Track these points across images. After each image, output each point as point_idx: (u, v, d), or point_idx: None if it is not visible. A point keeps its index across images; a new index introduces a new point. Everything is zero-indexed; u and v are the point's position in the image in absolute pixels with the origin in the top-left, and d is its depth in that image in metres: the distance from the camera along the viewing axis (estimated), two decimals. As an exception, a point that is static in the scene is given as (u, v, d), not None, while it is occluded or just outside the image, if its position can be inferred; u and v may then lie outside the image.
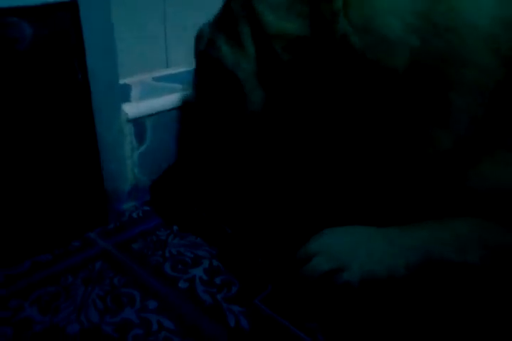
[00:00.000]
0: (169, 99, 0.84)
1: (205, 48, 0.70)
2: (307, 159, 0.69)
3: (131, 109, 0.79)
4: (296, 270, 0.67)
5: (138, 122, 0.80)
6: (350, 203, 0.72)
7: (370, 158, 0.68)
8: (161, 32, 0.93)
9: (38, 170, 0.71)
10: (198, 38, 0.74)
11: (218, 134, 0.77)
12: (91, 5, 0.67)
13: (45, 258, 0.75)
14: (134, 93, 0.84)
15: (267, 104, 0.65)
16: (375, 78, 0.60)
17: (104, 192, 0.79)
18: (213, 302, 0.68)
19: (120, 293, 0.69)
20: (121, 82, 0.84)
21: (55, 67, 0.66)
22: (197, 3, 0.94)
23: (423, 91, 0.61)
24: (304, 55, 0.61)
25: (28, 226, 0.73)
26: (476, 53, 0.59)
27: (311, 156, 0.69)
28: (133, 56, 0.90)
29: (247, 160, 0.74)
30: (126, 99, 0.81)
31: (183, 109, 0.84)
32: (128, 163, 0.82)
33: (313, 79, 0.63)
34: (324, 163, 0.71)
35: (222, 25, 0.69)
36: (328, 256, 0.65)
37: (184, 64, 0.97)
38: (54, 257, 0.75)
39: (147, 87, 0.87)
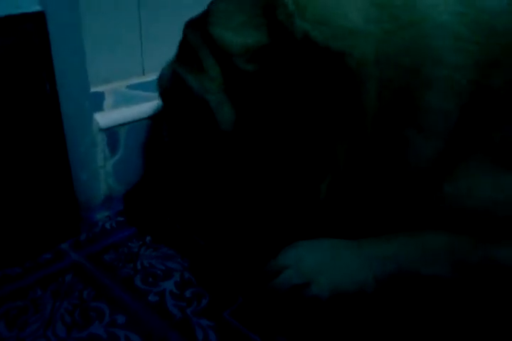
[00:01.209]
0: (143, 108, 0.83)
1: (169, 85, 0.70)
2: (278, 172, 0.69)
3: (104, 118, 0.78)
4: (266, 283, 0.66)
5: (111, 131, 0.79)
6: (321, 215, 0.71)
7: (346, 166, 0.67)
8: (137, 40, 0.92)
9: (7, 181, 0.70)
10: (160, 78, 0.74)
11: (189, 148, 0.76)
12: (59, 15, 0.66)
13: (15, 271, 0.74)
14: (107, 101, 0.83)
15: (237, 121, 0.65)
16: (342, 75, 0.59)
17: (75, 202, 0.78)
18: (182, 316, 0.67)
19: (89, 306, 0.68)
20: (94, 90, 0.84)
21: (21, 79, 0.65)
22: (172, 10, 0.93)
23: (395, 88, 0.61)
24: (268, 63, 0.61)
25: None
26: (444, 51, 0.57)
27: (283, 169, 0.69)
28: (108, 64, 0.89)
29: (219, 173, 0.73)
30: (99, 107, 0.80)
31: (157, 118, 0.83)
32: (101, 173, 0.81)
33: (281, 86, 0.62)
34: (296, 176, 0.71)
35: (183, 58, 0.69)
36: (297, 270, 0.65)
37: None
38: (24, 270, 0.74)
39: (121, 95, 0.86)
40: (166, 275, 0.74)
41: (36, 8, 0.64)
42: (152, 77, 0.96)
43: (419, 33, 0.57)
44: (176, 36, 1.02)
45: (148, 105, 0.84)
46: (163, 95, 0.73)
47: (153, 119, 0.83)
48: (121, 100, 0.84)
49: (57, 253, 0.78)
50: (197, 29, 0.68)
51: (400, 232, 0.66)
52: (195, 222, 0.81)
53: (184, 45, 0.70)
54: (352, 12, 0.58)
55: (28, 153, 0.70)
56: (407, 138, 0.62)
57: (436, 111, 0.60)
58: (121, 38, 0.89)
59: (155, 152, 0.84)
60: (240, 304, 0.69)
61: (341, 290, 0.64)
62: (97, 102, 0.81)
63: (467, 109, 0.59)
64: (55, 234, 0.78)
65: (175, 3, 0.94)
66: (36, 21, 0.64)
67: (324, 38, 0.58)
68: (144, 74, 0.96)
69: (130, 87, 0.91)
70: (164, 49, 0.98)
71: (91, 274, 0.74)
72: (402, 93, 0.60)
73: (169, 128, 0.74)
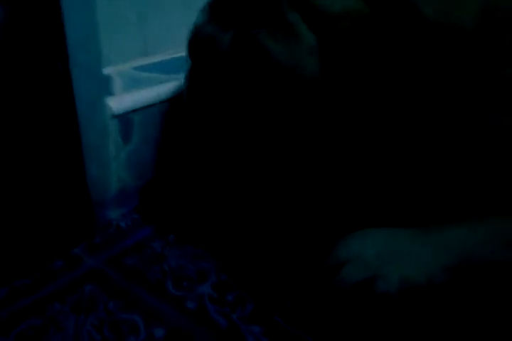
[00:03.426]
0: (158, 91, 0.73)
1: (224, 49, 0.58)
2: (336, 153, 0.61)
3: (116, 103, 0.68)
4: (325, 281, 0.59)
5: (124, 118, 0.70)
6: (374, 202, 0.64)
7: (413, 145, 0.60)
8: (138, 17, 0.82)
9: (14, 177, 0.59)
10: (197, 40, 0.63)
11: (218, 132, 0.67)
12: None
13: (24, 283, 0.63)
14: (116, 85, 0.73)
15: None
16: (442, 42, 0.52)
17: (88, 199, 0.68)
18: (229, 323, 0.59)
19: (119, 319, 0.59)
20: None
21: (32, 55, 0.55)
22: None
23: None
24: (369, 31, 0.53)
25: (2, 245, 0.61)
26: None
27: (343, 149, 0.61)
28: (108, 44, 0.78)
29: (256, 158, 0.65)
30: (109, 92, 0.70)
31: (174, 101, 0.74)
32: (113, 166, 0.71)
33: (381, 54, 0.54)
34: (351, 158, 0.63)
35: (252, 19, 0.57)
36: (360, 264, 0.58)
37: (164, 52, 0.87)
38: (35, 281, 0.63)
39: (129, 78, 0.76)
40: (200, 278, 0.65)
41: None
42: (157, 58, 0.87)
43: None
44: (178, 17, 0.93)
45: (162, 87, 0.74)
46: (203, 59, 0.62)
47: (171, 102, 0.73)
48: (131, 83, 0.74)
49: (70, 259, 0.67)
50: None
51: (466, 219, 0.60)
52: (224, 216, 0.73)
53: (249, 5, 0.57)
54: None
55: (40, 142, 0.59)
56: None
57: None
58: (121, 16, 0.79)
59: (172, 141, 0.75)
60: (290, 306, 0.61)
61: (410, 283, 0.57)
62: (106, 86, 0.71)
63: None
64: (67, 238, 0.68)
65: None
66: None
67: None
68: (146, 55, 0.86)
69: (136, 68, 0.80)
70: (166, 29, 0.90)
71: (114, 282, 0.64)
72: None
73: (202, 101, 0.63)
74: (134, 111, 0.70)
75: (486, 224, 0.60)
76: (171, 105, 0.74)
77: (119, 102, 0.69)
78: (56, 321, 0.58)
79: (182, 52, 0.89)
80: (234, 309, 0.61)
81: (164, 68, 0.81)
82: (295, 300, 0.62)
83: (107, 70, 0.77)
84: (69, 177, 0.64)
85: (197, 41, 0.64)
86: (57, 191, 0.64)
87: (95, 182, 0.69)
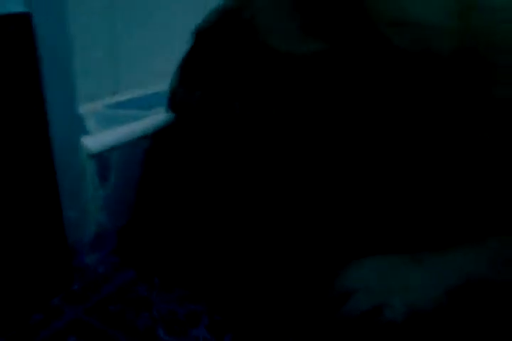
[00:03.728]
0: (133, 128, 0.71)
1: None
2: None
3: (93, 141, 0.66)
4: (331, 312, 0.57)
5: (101, 157, 0.67)
6: (374, 229, 0.64)
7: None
8: (109, 55, 0.80)
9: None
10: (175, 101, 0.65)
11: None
12: (46, 18, 0.54)
13: (0, 341, 0.58)
14: (90, 124, 0.70)
15: None
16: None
17: (66, 246, 0.64)
18: (230, 368, 0.56)
19: (110, 374, 0.55)
20: (73, 111, 0.71)
21: (7, 97, 0.52)
22: (146, 19, 0.84)
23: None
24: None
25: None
26: None
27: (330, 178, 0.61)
28: (78, 83, 0.76)
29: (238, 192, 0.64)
30: (84, 131, 0.68)
31: (152, 137, 0.72)
32: (90, 208, 0.68)
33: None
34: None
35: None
36: (366, 293, 0.56)
37: (135, 88, 0.85)
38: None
39: (103, 116, 0.74)
40: (192, 320, 0.62)
41: (20, 9, 0.52)
42: (128, 95, 0.85)
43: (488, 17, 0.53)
44: (149, 53, 0.92)
45: (138, 124, 0.72)
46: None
47: (148, 139, 0.71)
48: (104, 121, 0.72)
49: (49, 311, 0.62)
50: None
51: (459, 243, 0.61)
52: (207, 256, 0.70)
53: None
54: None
55: (14, 187, 0.55)
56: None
57: None
58: (91, 56, 0.77)
59: (150, 179, 0.72)
60: (293, 343, 0.59)
61: (416, 309, 0.56)
62: (81, 125, 0.68)
63: None
64: (44, 288, 0.63)
65: (147, 18, 0.84)
66: (21, 23, 0.51)
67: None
68: (117, 92, 0.84)
69: (109, 106, 0.78)
70: (136, 66, 0.89)
71: (100, 333, 0.60)
72: None
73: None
74: (111, 149, 0.68)
75: (484, 245, 0.61)
76: (148, 141, 0.72)
77: (95, 141, 0.66)
78: (40, 381, 0.53)
79: (153, 89, 0.88)
80: (233, 352, 0.58)
81: (138, 105, 0.79)
82: (297, 337, 0.59)
83: (80, 109, 0.75)
84: (46, 222, 0.60)
85: (173, 102, 0.65)
86: (34, 238, 0.60)
87: (72, 227, 0.66)
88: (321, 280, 0.61)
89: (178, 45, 0.69)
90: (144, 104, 0.82)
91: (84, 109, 0.74)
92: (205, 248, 0.69)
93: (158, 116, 0.76)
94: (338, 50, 0.54)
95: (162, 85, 0.89)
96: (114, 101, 0.80)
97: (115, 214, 0.72)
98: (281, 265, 0.67)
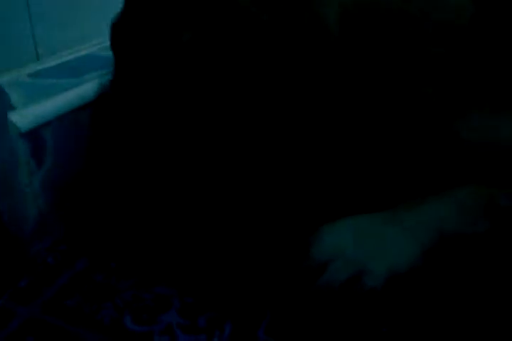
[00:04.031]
0: (68, 98, 0.62)
1: None
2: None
3: (22, 118, 0.57)
4: (309, 283, 0.54)
5: (34, 135, 0.58)
6: (343, 189, 0.61)
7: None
8: (26, 17, 0.69)
9: None
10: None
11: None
12: None
13: None
14: (15, 97, 0.61)
15: None
16: None
17: (7, 238, 0.56)
18: (210, 352, 0.52)
19: (79, 375, 0.49)
20: (-9, 83, 0.61)
21: None
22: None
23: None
24: None
25: None
26: None
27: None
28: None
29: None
30: (8, 106, 0.58)
31: (92, 106, 0.63)
32: (28, 193, 0.60)
33: None
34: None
35: None
36: (344, 261, 0.54)
37: (59, 54, 0.75)
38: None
39: (28, 87, 0.64)
40: (162, 306, 0.57)
41: None
42: (49, 62, 0.75)
43: None
44: (70, 14, 0.81)
45: (73, 93, 0.63)
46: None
47: (87, 108, 0.63)
48: (32, 93, 0.62)
49: (-2, 313, 0.55)
50: None
51: (431, 194, 0.59)
52: (166, 231, 0.65)
53: None
54: None
55: None
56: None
57: None
58: (9, 20, 0.66)
59: (94, 151, 0.64)
60: (271, 318, 0.56)
61: (395, 272, 0.55)
62: (5, 99, 0.58)
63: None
64: (-13, 288, 0.55)
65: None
66: None
67: None
68: (38, 58, 0.74)
69: (32, 75, 0.68)
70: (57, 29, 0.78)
71: (60, 331, 0.54)
72: None
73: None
74: (44, 125, 0.59)
75: (452, 196, 0.60)
76: (87, 112, 0.64)
77: (26, 117, 0.57)
78: None
79: (80, 52, 0.78)
80: (211, 334, 0.54)
81: (69, 71, 0.70)
82: (274, 310, 0.57)
83: (-1, 80, 0.64)
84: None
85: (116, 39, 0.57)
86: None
87: (11, 216, 0.58)
88: (294, 249, 0.58)
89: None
90: (75, 69, 0.73)
91: (3, 80, 0.64)
92: (165, 221, 0.64)
93: (91, 84, 0.67)
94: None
95: (90, 47, 0.80)
96: (39, 68, 0.70)
97: (56, 198, 0.64)
98: (249, 235, 0.63)
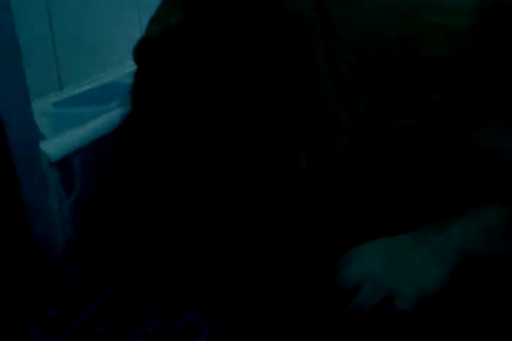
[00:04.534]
0: (95, 126, 0.63)
1: None
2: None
3: (52, 147, 0.58)
4: (340, 308, 0.54)
5: (64, 164, 0.59)
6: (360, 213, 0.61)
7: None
8: (50, 46, 0.71)
9: None
10: None
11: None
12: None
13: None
14: (43, 126, 0.61)
15: None
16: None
17: (38, 265, 0.56)
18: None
19: None
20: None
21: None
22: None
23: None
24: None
25: None
26: None
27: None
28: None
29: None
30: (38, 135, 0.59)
31: (117, 133, 0.64)
32: (57, 221, 0.60)
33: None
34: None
35: None
36: (373, 285, 0.54)
37: (81, 82, 0.77)
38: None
39: (55, 116, 0.65)
40: (191, 333, 0.57)
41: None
42: (73, 91, 0.76)
43: None
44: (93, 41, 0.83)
45: (97, 122, 0.64)
46: None
47: (113, 136, 0.63)
48: (59, 122, 0.63)
49: (27, 344, 0.55)
50: None
51: (456, 213, 0.60)
52: (192, 261, 0.65)
53: None
54: None
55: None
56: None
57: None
58: (32, 48, 0.68)
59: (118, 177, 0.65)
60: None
61: (424, 295, 0.55)
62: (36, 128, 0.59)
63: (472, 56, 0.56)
64: (17, 317, 0.55)
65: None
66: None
67: None
68: (61, 88, 0.75)
69: (57, 104, 0.69)
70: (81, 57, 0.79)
71: (92, 359, 0.54)
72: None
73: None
74: (73, 154, 0.60)
75: (475, 217, 0.60)
76: (113, 139, 0.65)
77: (55, 146, 0.58)
78: None
79: (103, 79, 0.80)
80: (242, 361, 0.54)
81: (92, 99, 0.71)
82: (304, 337, 0.56)
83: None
84: (11, 240, 0.52)
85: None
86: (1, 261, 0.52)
87: (40, 243, 0.58)
88: (322, 276, 0.58)
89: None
90: (95, 99, 0.74)
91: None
92: (190, 252, 0.64)
93: (115, 111, 0.68)
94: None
95: (112, 74, 0.81)
96: (63, 97, 0.72)
97: (83, 225, 0.65)
98: (274, 263, 0.63)
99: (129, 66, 0.71)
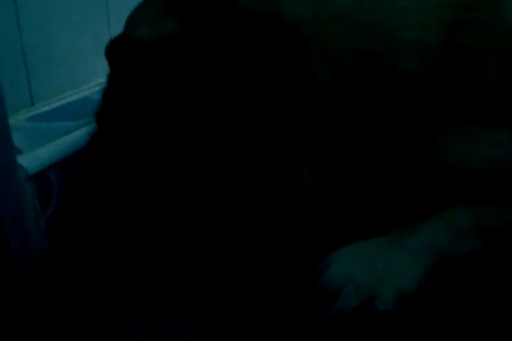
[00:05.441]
0: (70, 140, 0.63)
1: None
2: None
3: (29, 161, 0.57)
4: (321, 311, 0.55)
5: (40, 177, 0.59)
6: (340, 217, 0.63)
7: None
8: (21, 63, 0.71)
9: None
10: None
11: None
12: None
13: None
14: (18, 141, 0.61)
15: None
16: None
17: (17, 283, 0.55)
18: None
19: None
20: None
21: None
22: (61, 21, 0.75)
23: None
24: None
25: None
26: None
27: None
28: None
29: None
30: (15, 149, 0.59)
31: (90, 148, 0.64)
32: (33, 236, 0.60)
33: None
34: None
35: None
36: (354, 287, 0.56)
37: (55, 98, 0.77)
38: None
39: (29, 131, 0.65)
40: (175, 343, 0.57)
41: None
42: (45, 107, 0.76)
43: None
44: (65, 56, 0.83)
45: (72, 137, 0.64)
46: None
47: (86, 150, 0.64)
48: (34, 136, 0.63)
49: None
50: None
51: (426, 215, 0.63)
52: (171, 268, 0.65)
53: None
54: None
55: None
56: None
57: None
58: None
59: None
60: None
61: (403, 294, 0.57)
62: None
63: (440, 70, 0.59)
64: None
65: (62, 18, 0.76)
66: None
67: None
68: (33, 104, 0.75)
69: (31, 119, 0.69)
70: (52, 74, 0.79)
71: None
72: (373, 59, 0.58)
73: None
74: (50, 167, 0.60)
75: (445, 219, 0.63)
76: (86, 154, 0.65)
77: (32, 160, 0.58)
78: None
79: (74, 96, 0.80)
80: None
81: (62, 115, 0.71)
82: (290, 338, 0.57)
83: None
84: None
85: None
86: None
87: (18, 259, 0.57)
88: (302, 278, 0.60)
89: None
90: (68, 114, 0.74)
91: (6, 124, 0.64)
92: (171, 255, 0.64)
93: (88, 127, 0.69)
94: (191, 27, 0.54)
95: (84, 91, 0.82)
96: (36, 112, 0.71)
97: (60, 239, 0.64)
98: (257, 269, 0.64)
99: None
